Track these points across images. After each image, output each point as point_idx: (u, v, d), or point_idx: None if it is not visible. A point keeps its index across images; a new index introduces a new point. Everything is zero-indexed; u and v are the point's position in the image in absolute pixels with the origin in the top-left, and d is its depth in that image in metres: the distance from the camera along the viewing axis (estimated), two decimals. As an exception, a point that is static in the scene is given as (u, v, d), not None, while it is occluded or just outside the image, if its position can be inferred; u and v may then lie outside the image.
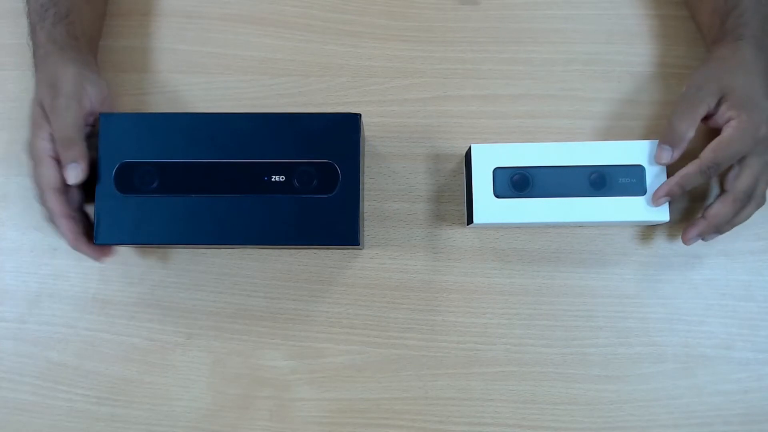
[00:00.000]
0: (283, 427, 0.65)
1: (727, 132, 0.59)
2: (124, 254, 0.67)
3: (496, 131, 0.68)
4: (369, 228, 0.67)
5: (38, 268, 0.67)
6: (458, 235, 0.67)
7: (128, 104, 0.69)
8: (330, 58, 0.70)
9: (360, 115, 0.61)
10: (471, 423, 0.64)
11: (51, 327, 0.67)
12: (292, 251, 0.67)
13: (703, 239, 0.63)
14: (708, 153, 0.59)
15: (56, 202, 0.60)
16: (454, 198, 0.67)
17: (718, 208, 0.60)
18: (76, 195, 0.62)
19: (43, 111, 0.60)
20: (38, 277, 0.67)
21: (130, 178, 0.60)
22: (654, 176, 0.61)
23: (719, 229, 0.61)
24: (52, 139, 0.60)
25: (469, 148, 0.62)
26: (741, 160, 0.59)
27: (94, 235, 0.60)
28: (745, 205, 0.60)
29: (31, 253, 0.68)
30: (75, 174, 0.59)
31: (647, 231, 0.66)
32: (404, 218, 0.67)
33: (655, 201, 0.60)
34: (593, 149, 0.61)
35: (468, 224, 0.65)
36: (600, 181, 0.61)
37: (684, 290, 0.66)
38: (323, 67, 0.69)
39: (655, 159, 0.61)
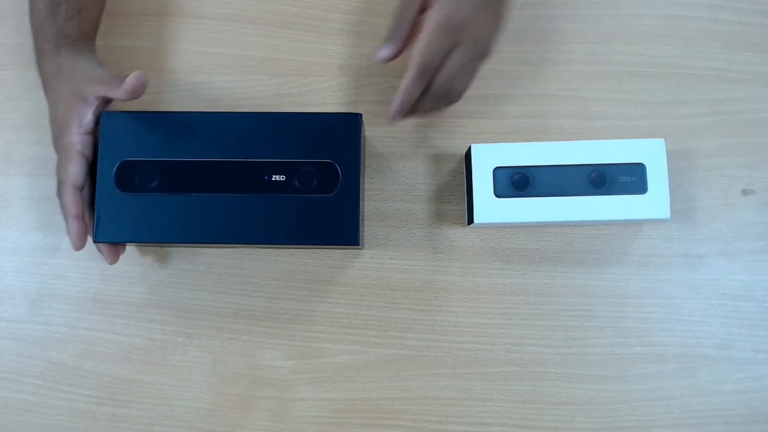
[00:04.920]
0: (283, 427, 0.65)
1: (424, 29, 0.58)
2: (124, 254, 0.66)
3: (496, 131, 0.68)
4: (369, 228, 0.67)
5: (38, 268, 0.67)
6: (458, 235, 0.67)
7: (129, 103, 0.68)
8: (330, 58, 0.70)
9: (361, 115, 0.62)
10: (471, 423, 0.64)
11: (51, 327, 0.67)
12: (292, 251, 0.67)
13: (401, 117, 0.62)
14: (415, 56, 0.58)
15: (72, 200, 0.60)
16: (454, 198, 0.67)
17: (407, 85, 0.59)
18: (88, 193, 0.62)
19: (75, 101, 0.60)
20: (38, 277, 0.67)
21: (130, 177, 0.60)
22: (655, 174, 0.61)
23: (419, 109, 0.61)
24: (83, 133, 0.61)
25: (469, 148, 0.62)
26: (448, 53, 0.58)
27: (93, 233, 0.60)
28: (440, 98, 0.60)
29: (31, 253, 0.68)
30: (138, 75, 0.59)
31: (647, 231, 0.66)
32: (404, 218, 0.67)
33: (392, 119, 0.60)
34: (593, 148, 0.61)
35: (468, 224, 0.65)
36: (600, 179, 0.61)
37: (684, 290, 0.66)
38: (323, 67, 0.70)
39: (377, 56, 0.61)
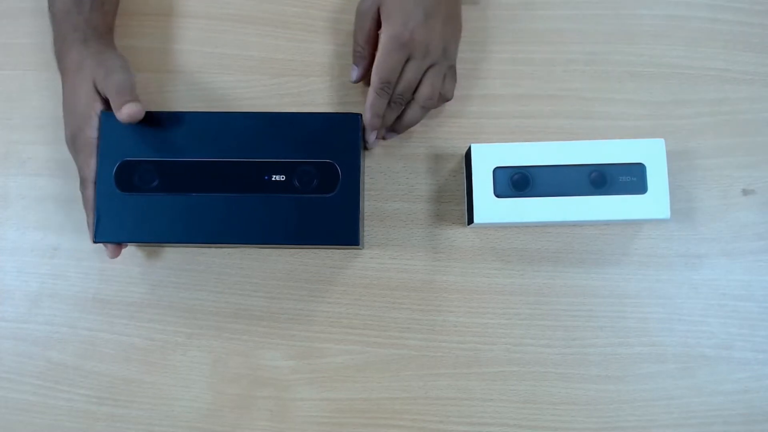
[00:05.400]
0: (283, 427, 0.65)
1: (379, 48, 0.61)
2: (124, 254, 0.66)
3: (496, 131, 0.68)
4: (369, 228, 0.67)
5: (38, 268, 0.67)
6: (458, 235, 0.67)
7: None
8: (330, 58, 0.70)
9: (361, 115, 0.62)
10: (471, 423, 0.64)
11: (51, 327, 0.67)
12: (292, 251, 0.67)
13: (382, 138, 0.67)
14: (374, 76, 0.61)
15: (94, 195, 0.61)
16: (454, 198, 0.67)
17: (370, 102, 0.62)
18: None
19: (95, 96, 0.61)
20: (38, 277, 0.67)
21: (130, 177, 0.60)
22: (655, 174, 0.61)
23: (395, 129, 0.66)
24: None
25: (469, 148, 0.62)
26: (404, 66, 0.61)
27: (93, 232, 0.60)
28: (405, 106, 0.64)
29: (31, 253, 0.68)
30: (133, 109, 0.59)
31: (647, 231, 0.66)
32: (404, 218, 0.67)
33: (370, 141, 0.64)
34: (593, 148, 0.61)
35: (468, 224, 0.65)
36: (600, 179, 0.61)
37: (684, 290, 0.66)
38: (323, 67, 0.70)
39: (350, 78, 0.66)
